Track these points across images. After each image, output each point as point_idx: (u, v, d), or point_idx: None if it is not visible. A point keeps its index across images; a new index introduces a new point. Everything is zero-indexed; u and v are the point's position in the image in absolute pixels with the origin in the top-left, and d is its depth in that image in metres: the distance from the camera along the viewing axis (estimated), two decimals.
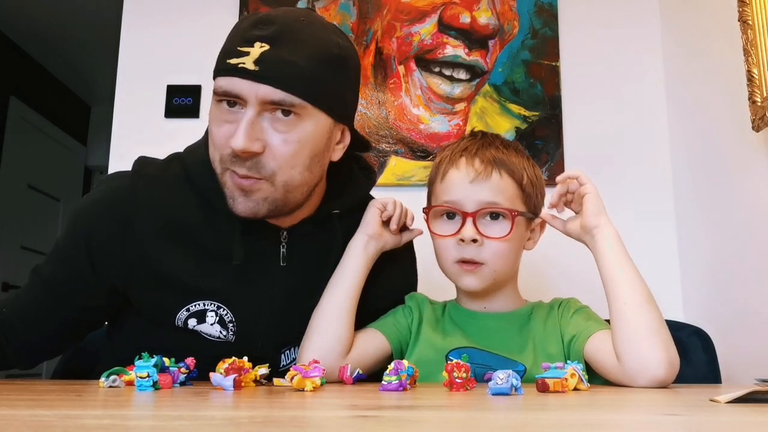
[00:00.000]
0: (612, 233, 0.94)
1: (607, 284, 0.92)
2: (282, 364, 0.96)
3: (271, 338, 0.93)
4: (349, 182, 1.00)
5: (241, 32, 0.85)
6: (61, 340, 1.01)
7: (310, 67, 0.83)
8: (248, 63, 0.81)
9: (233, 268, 0.90)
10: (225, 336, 0.91)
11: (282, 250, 0.93)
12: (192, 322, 0.90)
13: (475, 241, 0.95)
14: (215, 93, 0.85)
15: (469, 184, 0.96)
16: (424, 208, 1.02)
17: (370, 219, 1.00)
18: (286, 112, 0.83)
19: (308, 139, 0.85)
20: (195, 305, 0.89)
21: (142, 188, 0.91)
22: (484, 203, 0.96)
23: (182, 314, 0.90)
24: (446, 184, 0.99)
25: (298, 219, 0.94)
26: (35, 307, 0.94)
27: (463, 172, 0.97)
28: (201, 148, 0.93)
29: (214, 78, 0.87)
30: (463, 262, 0.97)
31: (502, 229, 0.96)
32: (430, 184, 1.05)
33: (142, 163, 0.95)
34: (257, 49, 0.81)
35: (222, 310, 0.90)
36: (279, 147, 0.83)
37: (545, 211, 1.01)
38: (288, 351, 0.97)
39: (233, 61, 0.82)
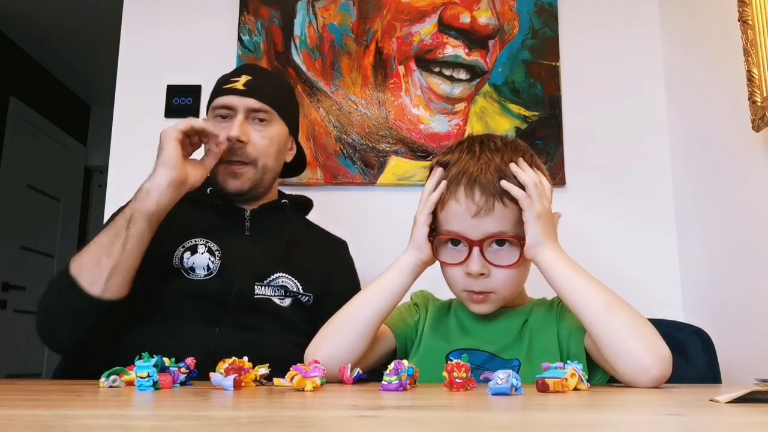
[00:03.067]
0: (552, 253, 0.91)
1: (568, 303, 0.90)
2: (256, 293, 1.18)
3: (247, 272, 1.18)
4: (296, 195, 1.39)
5: (230, 74, 1.29)
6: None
7: (276, 90, 1.30)
8: (239, 85, 1.24)
9: (214, 225, 1.22)
10: (213, 263, 1.17)
11: (246, 224, 1.26)
12: (187, 256, 1.17)
13: (482, 274, 0.93)
14: (215, 108, 1.24)
15: (471, 219, 0.92)
16: (428, 236, 0.98)
17: (424, 241, 0.97)
18: (261, 120, 1.24)
19: (275, 137, 1.26)
20: (189, 242, 1.19)
21: None
22: (489, 233, 0.92)
23: (179, 251, 1.17)
24: (447, 214, 0.95)
25: (258, 205, 1.29)
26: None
27: (463, 206, 0.93)
28: None
29: (210, 101, 1.27)
30: (473, 292, 0.95)
31: (510, 255, 0.93)
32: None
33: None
34: (244, 78, 1.25)
35: (210, 243, 1.19)
36: (258, 140, 1.23)
37: None
38: (258, 285, 1.19)
39: (227, 85, 1.24)
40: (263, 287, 1.19)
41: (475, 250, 0.92)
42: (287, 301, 1.20)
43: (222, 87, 1.25)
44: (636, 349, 0.82)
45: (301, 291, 1.22)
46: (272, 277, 1.20)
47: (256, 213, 1.27)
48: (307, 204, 1.39)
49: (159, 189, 1.08)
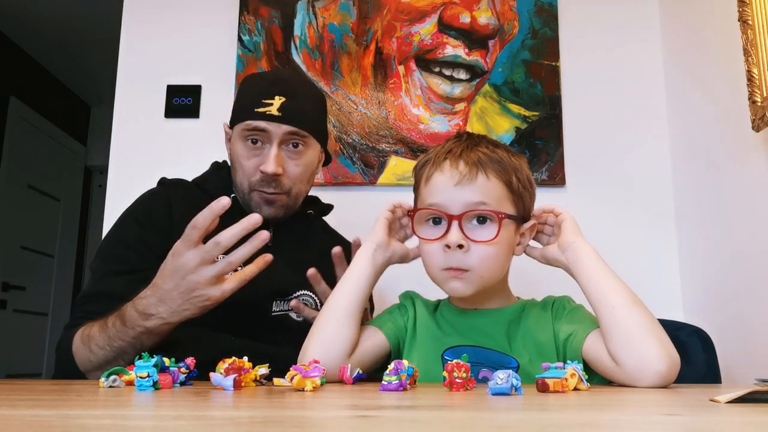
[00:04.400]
0: (589, 248, 0.95)
1: (590, 293, 0.92)
2: (273, 310, 1.17)
3: (267, 287, 1.15)
4: (317, 200, 1.37)
5: (261, 89, 1.19)
6: None
7: (312, 111, 1.22)
8: (273, 110, 1.15)
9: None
10: None
11: (270, 234, 1.19)
12: None
13: (461, 246, 0.92)
14: (245, 130, 1.17)
15: (454, 187, 0.93)
16: (408, 212, 1.01)
17: (378, 228, 1.02)
18: (296, 145, 1.18)
19: (309, 162, 1.22)
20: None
21: (170, 187, 1.26)
22: (470, 205, 0.93)
23: None
24: (431, 187, 0.96)
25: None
26: (118, 297, 1.05)
27: (447, 175, 0.94)
28: (213, 176, 1.29)
29: (239, 122, 1.18)
30: (450, 269, 0.95)
31: (489, 232, 0.93)
32: (415, 189, 1.03)
33: (163, 178, 1.28)
34: (278, 101, 1.16)
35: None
36: (293, 170, 1.19)
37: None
38: (277, 301, 1.18)
39: (261, 109, 1.16)
40: (282, 302, 1.18)
41: (455, 223, 0.93)
42: None
43: (254, 110, 1.17)
44: (652, 344, 0.84)
45: (319, 307, 1.17)
46: (295, 294, 1.19)
47: (281, 223, 1.23)
48: (328, 209, 1.37)
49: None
